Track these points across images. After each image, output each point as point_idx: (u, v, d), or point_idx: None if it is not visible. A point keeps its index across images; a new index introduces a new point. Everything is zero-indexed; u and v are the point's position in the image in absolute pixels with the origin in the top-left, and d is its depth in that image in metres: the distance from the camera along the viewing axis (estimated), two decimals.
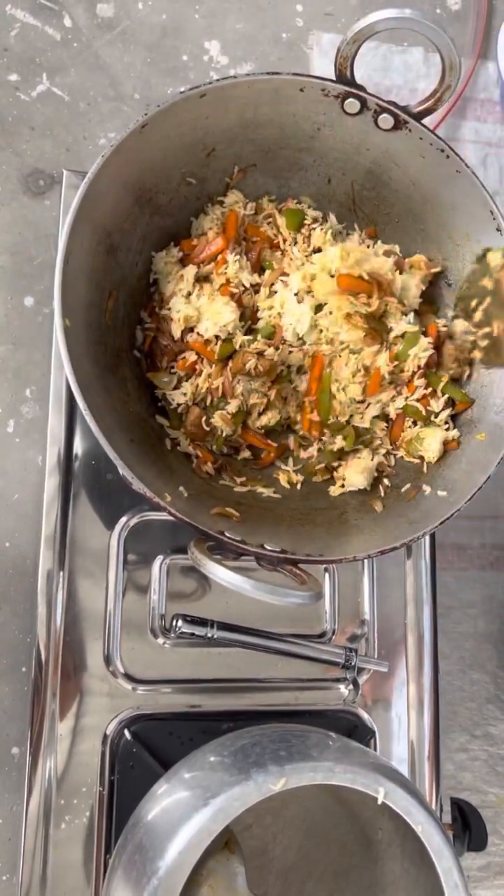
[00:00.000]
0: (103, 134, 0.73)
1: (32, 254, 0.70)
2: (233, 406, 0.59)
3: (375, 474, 0.61)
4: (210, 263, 0.61)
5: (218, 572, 0.47)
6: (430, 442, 0.59)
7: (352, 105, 0.57)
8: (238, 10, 0.78)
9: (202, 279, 0.61)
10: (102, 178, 0.52)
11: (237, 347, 0.59)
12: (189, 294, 0.60)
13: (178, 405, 0.60)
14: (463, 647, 0.78)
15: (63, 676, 0.60)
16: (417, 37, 0.72)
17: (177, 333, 0.59)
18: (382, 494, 0.60)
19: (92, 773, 0.60)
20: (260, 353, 0.59)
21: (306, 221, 0.63)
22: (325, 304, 0.60)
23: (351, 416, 0.61)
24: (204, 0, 0.77)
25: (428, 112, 0.57)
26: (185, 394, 0.60)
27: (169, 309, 0.60)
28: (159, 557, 0.63)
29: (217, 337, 0.59)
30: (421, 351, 0.60)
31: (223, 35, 0.77)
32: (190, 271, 0.60)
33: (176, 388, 0.60)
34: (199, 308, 0.59)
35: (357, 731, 0.63)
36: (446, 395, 0.60)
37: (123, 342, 0.60)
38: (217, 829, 0.44)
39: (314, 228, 0.62)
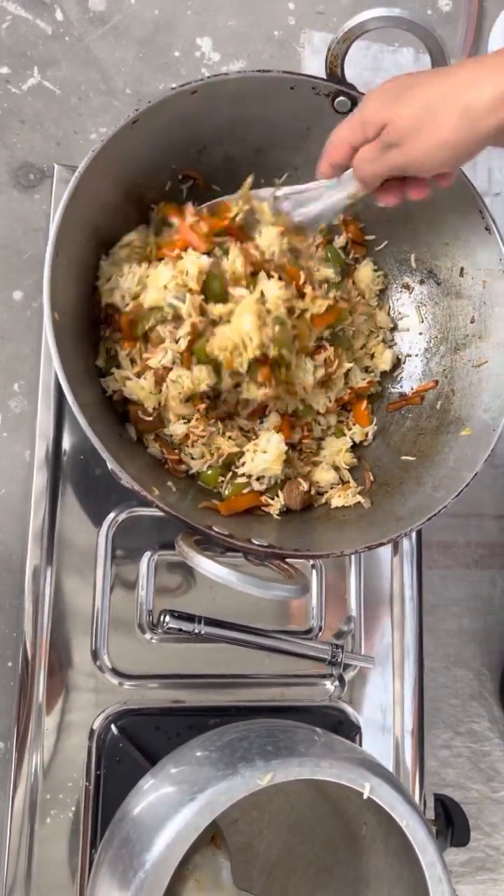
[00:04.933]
0: (94, 128, 0.73)
1: (22, 247, 0.70)
2: (150, 380, 0.56)
3: (346, 466, 0.61)
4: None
5: (205, 566, 0.47)
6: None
7: (342, 104, 0.57)
8: (230, 6, 0.78)
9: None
10: (93, 173, 0.52)
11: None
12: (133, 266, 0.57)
13: (113, 392, 0.57)
14: (447, 645, 0.78)
15: (50, 672, 0.60)
16: (408, 37, 0.72)
17: (114, 299, 0.56)
18: (367, 487, 0.60)
19: (78, 769, 0.60)
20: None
21: None
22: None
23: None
24: None
25: None
26: (116, 379, 0.57)
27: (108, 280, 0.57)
28: (147, 553, 0.63)
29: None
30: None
31: (215, 32, 0.77)
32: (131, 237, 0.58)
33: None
34: (144, 280, 0.56)
35: (342, 727, 0.63)
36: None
37: None
38: (204, 824, 0.44)
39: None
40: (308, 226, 0.58)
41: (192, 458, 0.59)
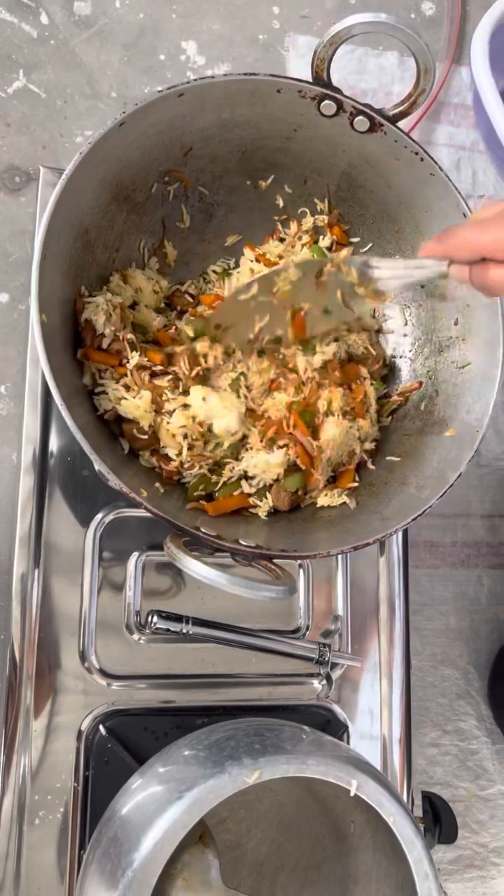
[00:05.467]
0: (80, 131, 0.73)
1: (8, 250, 0.70)
2: (145, 400, 0.56)
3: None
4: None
5: (194, 567, 0.47)
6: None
7: (328, 107, 0.58)
8: (215, 10, 0.78)
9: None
10: (80, 174, 0.52)
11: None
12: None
13: (106, 412, 0.57)
14: (434, 644, 0.79)
15: (38, 674, 0.60)
16: (393, 41, 0.73)
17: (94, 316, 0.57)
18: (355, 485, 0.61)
19: (66, 770, 0.60)
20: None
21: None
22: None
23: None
24: (181, 0, 0.77)
25: (403, 115, 0.58)
26: (110, 400, 0.56)
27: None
28: (135, 554, 0.63)
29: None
30: None
31: (200, 35, 0.78)
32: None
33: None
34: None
35: (330, 726, 0.64)
36: None
37: None
38: (192, 822, 0.44)
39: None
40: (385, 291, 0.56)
41: (189, 471, 0.59)
